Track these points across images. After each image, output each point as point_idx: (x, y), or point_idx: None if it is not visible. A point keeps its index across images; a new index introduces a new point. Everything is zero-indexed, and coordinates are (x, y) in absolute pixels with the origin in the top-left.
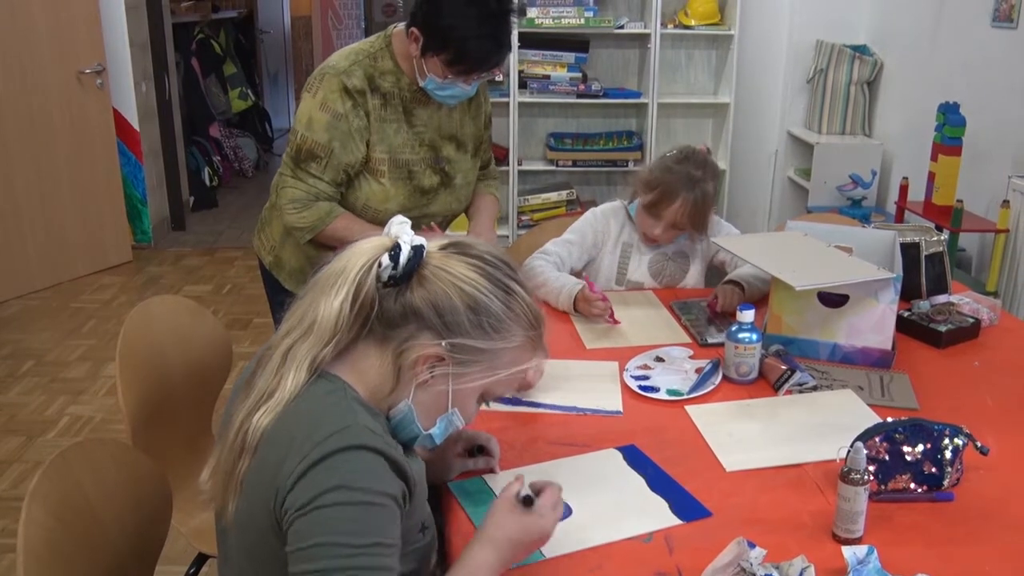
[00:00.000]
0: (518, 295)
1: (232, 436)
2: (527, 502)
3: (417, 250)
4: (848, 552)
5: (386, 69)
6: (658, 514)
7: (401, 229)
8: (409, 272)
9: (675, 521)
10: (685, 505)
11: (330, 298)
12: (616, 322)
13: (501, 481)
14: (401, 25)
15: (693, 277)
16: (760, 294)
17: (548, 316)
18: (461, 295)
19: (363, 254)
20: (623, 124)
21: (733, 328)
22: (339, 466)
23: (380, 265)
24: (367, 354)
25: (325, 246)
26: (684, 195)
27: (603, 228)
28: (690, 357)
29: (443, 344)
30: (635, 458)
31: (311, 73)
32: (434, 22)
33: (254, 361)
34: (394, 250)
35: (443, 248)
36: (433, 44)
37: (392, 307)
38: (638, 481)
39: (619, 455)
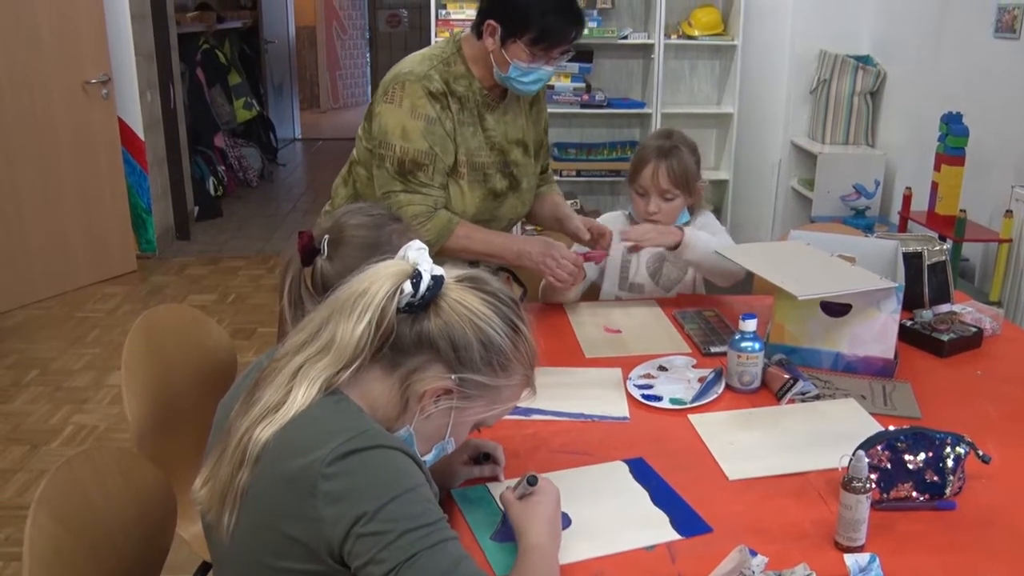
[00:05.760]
0: (524, 335)
1: (232, 447)
2: (531, 482)
3: (437, 280)
4: (850, 560)
5: (459, 73)
6: (658, 528)
7: (420, 256)
8: (427, 301)
9: (675, 536)
10: (686, 520)
11: (352, 321)
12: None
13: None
14: (467, 30)
15: (691, 275)
16: (710, 269)
17: (549, 327)
18: (476, 331)
19: (386, 279)
20: (627, 134)
21: (736, 337)
22: (374, 462)
23: (402, 292)
24: (374, 378)
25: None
26: (655, 160)
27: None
28: (693, 366)
29: (453, 378)
30: (641, 471)
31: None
32: (511, 6)
33: (253, 370)
34: (415, 278)
35: (460, 281)
36: (513, 28)
37: (407, 333)
38: (641, 494)
39: (625, 468)
